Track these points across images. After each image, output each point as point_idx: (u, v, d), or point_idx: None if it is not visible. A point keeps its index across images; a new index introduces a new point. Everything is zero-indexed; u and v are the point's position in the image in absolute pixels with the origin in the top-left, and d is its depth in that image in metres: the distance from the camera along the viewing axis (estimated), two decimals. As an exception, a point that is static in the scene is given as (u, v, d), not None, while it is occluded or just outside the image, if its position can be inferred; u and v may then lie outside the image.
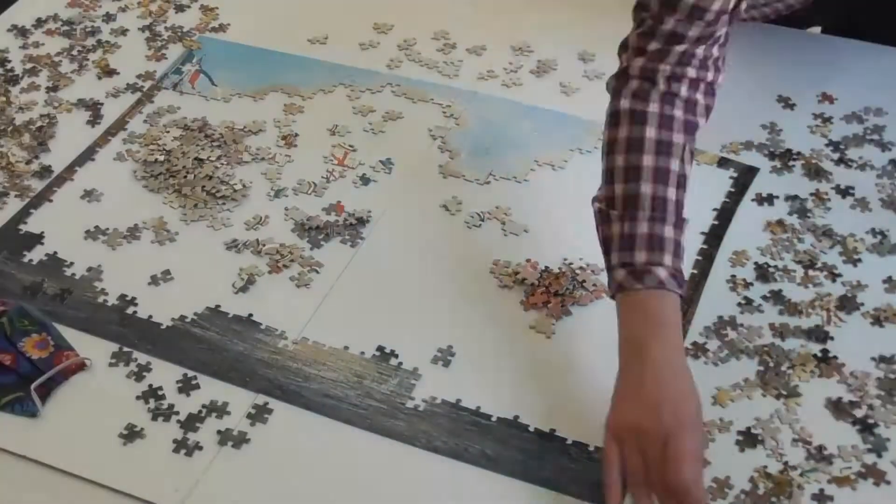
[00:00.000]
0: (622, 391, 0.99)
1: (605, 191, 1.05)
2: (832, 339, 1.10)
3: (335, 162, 1.32)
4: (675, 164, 1.04)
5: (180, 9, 1.59)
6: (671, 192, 1.03)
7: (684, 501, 0.91)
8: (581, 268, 1.18)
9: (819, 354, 1.09)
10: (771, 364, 1.08)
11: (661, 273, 0.99)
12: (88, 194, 1.32)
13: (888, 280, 1.16)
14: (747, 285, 1.16)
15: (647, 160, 1.03)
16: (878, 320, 1.12)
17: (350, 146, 1.34)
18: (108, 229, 1.27)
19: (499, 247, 1.22)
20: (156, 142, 1.37)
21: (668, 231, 1.01)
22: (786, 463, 1.01)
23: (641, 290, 0.99)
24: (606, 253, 1.04)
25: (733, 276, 1.17)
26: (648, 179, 1.03)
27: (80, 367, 1.12)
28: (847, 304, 1.13)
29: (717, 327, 1.12)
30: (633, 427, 0.95)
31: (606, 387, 1.07)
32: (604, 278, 1.16)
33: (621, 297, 1.02)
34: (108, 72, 1.49)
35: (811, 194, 1.26)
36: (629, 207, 1.02)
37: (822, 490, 0.99)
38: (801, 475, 1.00)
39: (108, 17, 1.58)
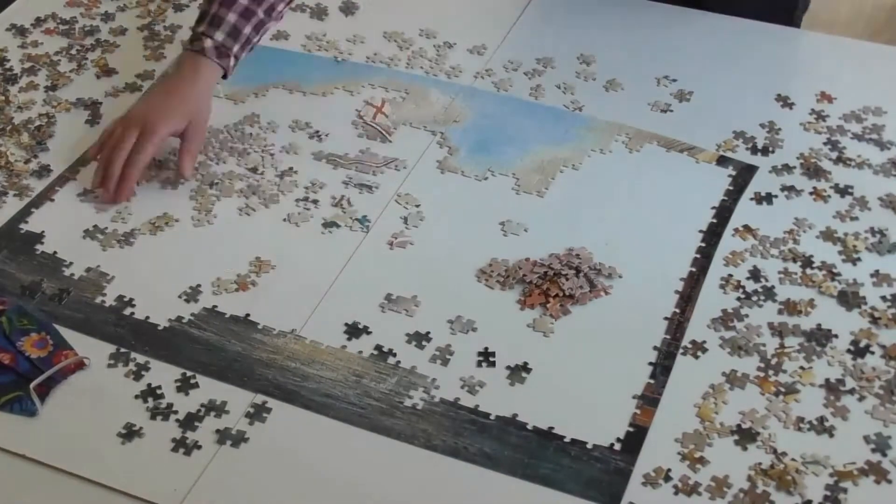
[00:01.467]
0: (144, 96, 1.41)
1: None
2: (835, 337, 1.11)
3: (373, 112, 1.38)
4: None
5: (179, 8, 1.59)
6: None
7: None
8: (580, 267, 1.18)
9: (818, 352, 1.09)
10: (771, 362, 1.09)
11: (208, 43, 1.31)
12: (88, 194, 1.31)
13: (885, 277, 1.16)
14: (745, 284, 1.16)
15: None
16: (875, 319, 1.12)
17: (383, 99, 1.41)
18: (106, 228, 1.27)
19: (497, 245, 1.22)
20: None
21: (231, 17, 1.31)
22: (783, 454, 1.01)
23: (190, 49, 1.33)
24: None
25: (731, 274, 1.17)
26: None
27: (80, 366, 1.12)
28: (846, 302, 1.14)
29: (716, 325, 1.12)
30: (135, 113, 1.32)
31: (605, 385, 1.08)
32: (605, 278, 1.17)
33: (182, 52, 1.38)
34: (107, 71, 1.49)
35: (810, 193, 1.26)
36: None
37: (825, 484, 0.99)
38: (803, 465, 1.00)
39: (107, 17, 1.58)
